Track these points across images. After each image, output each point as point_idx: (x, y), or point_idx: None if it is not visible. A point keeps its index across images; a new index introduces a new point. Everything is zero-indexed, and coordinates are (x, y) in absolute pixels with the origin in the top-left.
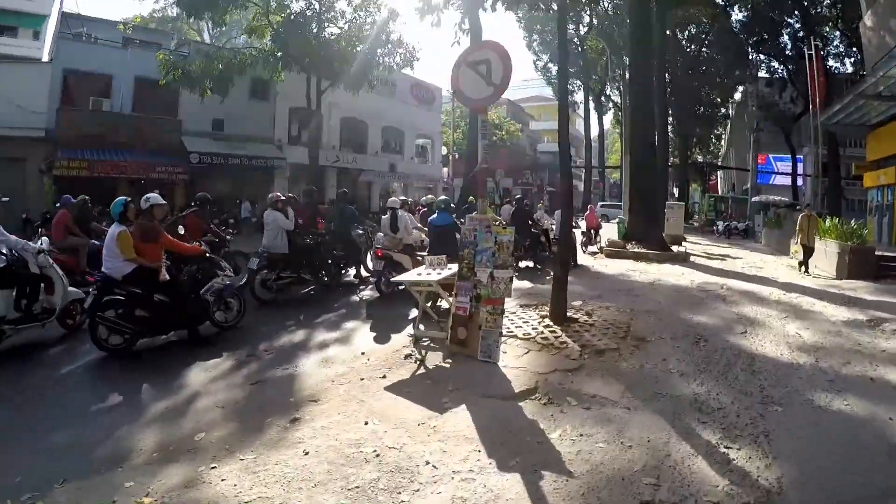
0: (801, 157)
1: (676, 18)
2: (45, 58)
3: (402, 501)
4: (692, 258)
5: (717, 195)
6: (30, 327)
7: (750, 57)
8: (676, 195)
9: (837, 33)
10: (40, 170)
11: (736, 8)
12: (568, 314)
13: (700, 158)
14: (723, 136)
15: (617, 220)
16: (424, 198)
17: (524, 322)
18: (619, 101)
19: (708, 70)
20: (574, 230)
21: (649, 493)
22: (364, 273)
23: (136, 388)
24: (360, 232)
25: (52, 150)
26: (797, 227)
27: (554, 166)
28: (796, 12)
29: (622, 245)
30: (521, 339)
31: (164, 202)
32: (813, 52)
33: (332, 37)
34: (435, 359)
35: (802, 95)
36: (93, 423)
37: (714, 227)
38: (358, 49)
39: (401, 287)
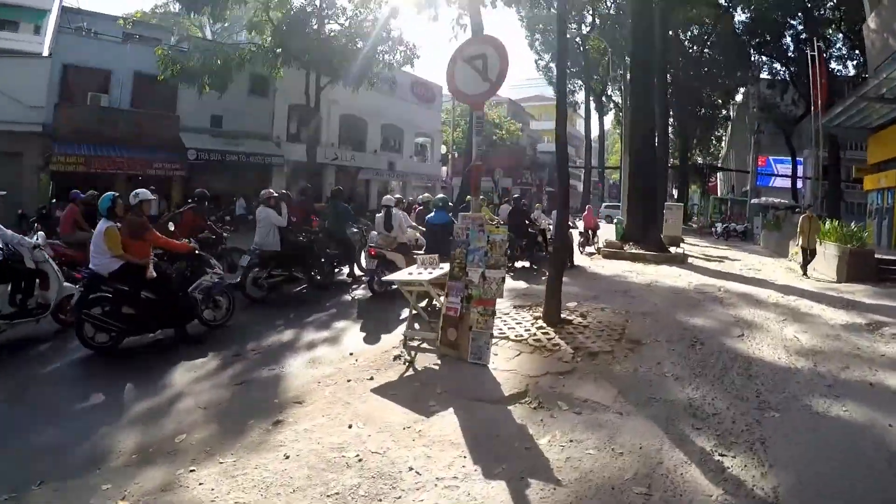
0: (802, 159)
1: (678, 19)
2: (45, 52)
3: None
4: (690, 260)
5: (723, 198)
6: (24, 322)
7: (752, 58)
8: (675, 196)
9: (840, 35)
10: (37, 165)
11: (739, 9)
12: (562, 316)
13: (700, 160)
14: (723, 138)
15: (615, 220)
16: (420, 196)
17: (517, 323)
18: (620, 101)
19: (709, 71)
20: (572, 230)
21: (640, 502)
22: (358, 272)
23: (119, 387)
24: (355, 230)
25: (49, 145)
26: (798, 229)
27: (554, 166)
28: (799, 14)
29: (620, 246)
30: (513, 340)
31: (153, 197)
32: (816, 54)
33: (333, 33)
34: (425, 360)
35: (804, 97)
36: (74, 423)
37: (713, 229)
38: (358, 46)
39: (394, 286)
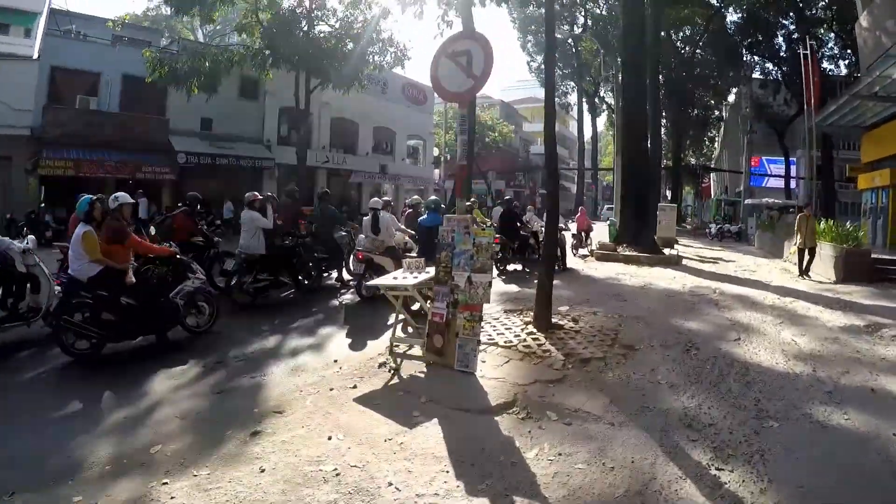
0: (795, 159)
1: (670, 20)
2: (35, 55)
3: None
4: (684, 261)
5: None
6: (15, 326)
7: (744, 59)
8: (669, 197)
9: (832, 35)
10: (26, 169)
11: (731, 9)
12: (553, 320)
13: (693, 161)
14: (716, 139)
15: (608, 221)
16: (409, 199)
17: (506, 329)
18: (612, 102)
19: (702, 72)
20: (564, 232)
21: None
22: (346, 276)
23: (97, 395)
24: (343, 233)
25: (37, 149)
26: (795, 229)
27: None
28: (791, 14)
29: (613, 248)
30: (501, 346)
31: (132, 201)
32: (809, 52)
33: (323, 35)
34: (411, 368)
35: (796, 97)
36: (49, 432)
37: (707, 230)
38: (349, 48)
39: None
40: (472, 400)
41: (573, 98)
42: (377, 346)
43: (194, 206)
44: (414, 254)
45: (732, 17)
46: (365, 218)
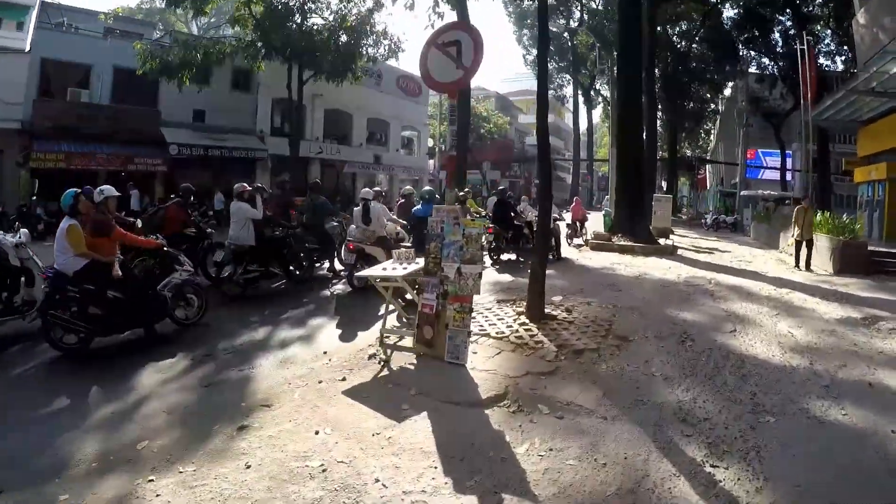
0: (791, 152)
1: (667, 15)
2: (27, 48)
3: None
4: (679, 251)
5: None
6: (10, 319)
7: (740, 53)
8: (665, 189)
9: (829, 31)
10: (17, 162)
11: (727, 5)
12: (546, 311)
13: (689, 152)
14: (712, 131)
15: (603, 211)
16: (403, 189)
17: (499, 319)
18: (608, 95)
19: (698, 66)
20: (559, 222)
21: None
22: (338, 266)
23: (84, 390)
24: (335, 224)
25: (28, 142)
26: (793, 221)
27: None
28: (788, 10)
29: (608, 237)
30: (493, 338)
31: (118, 194)
32: (805, 48)
33: (316, 27)
34: (401, 359)
35: (792, 92)
36: (36, 429)
37: (703, 220)
38: (342, 40)
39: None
40: (462, 392)
41: (569, 90)
42: (367, 338)
43: (187, 197)
44: (407, 244)
45: (729, 12)
46: (356, 208)
